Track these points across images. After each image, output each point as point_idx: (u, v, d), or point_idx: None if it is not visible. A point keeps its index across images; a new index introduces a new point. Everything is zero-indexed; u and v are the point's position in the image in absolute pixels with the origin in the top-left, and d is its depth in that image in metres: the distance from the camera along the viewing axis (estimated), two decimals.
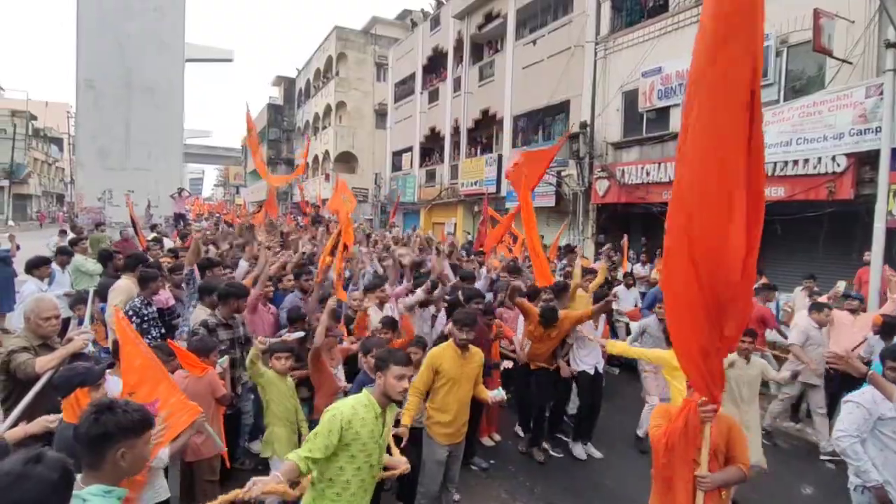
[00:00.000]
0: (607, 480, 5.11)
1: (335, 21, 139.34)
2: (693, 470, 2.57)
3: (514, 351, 5.62)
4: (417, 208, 22.94)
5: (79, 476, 1.67)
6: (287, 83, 43.28)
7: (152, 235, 10.72)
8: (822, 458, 5.65)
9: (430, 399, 3.89)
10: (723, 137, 2.12)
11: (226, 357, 3.93)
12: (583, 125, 13.58)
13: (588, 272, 6.66)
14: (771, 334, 6.79)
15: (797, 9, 8.73)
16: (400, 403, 2.99)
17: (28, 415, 2.82)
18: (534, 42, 16.06)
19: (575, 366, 5.48)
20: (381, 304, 5.43)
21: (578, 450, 5.54)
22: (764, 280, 7.21)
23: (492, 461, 5.29)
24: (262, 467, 4.06)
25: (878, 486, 3.09)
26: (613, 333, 6.46)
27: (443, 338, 4.55)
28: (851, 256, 8.47)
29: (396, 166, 25.91)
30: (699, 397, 2.50)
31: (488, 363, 4.70)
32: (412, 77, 24.27)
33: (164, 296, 5.27)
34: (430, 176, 22.18)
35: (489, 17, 18.74)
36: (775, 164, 8.96)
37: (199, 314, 4.45)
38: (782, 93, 9.54)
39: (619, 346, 5.07)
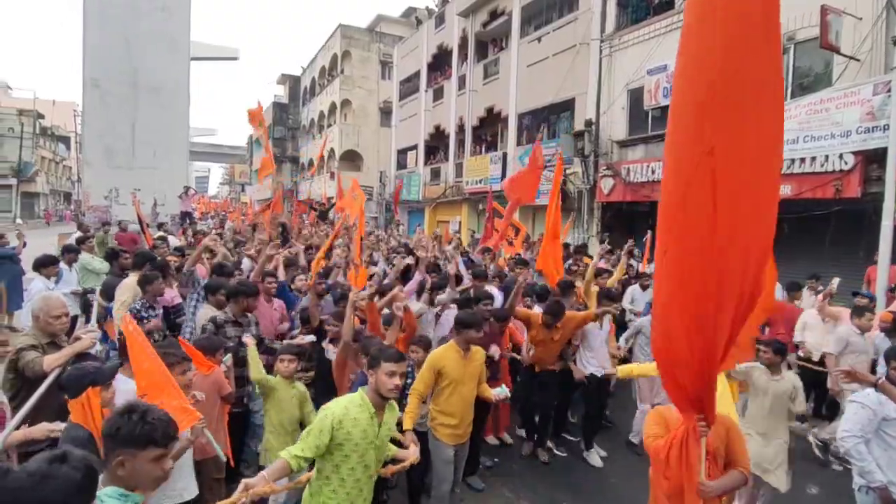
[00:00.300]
0: (612, 479, 5.11)
1: (340, 19, 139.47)
2: (693, 478, 2.51)
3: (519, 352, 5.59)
4: (422, 206, 22.95)
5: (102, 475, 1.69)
6: (292, 81, 43.34)
7: (159, 234, 10.79)
8: (829, 457, 5.63)
9: (434, 402, 3.87)
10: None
11: (229, 356, 3.92)
12: (588, 123, 13.53)
13: (602, 272, 6.61)
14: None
15: (804, 5, 8.66)
16: (400, 402, 3.00)
17: (33, 415, 2.85)
18: (539, 40, 16.01)
19: (582, 367, 5.44)
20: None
21: (594, 458, 5.41)
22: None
23: (496, 459, 5.31)
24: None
25: (882, 487, 3.09)
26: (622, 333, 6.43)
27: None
28: (858, 255, 8.41)
29: (401, 164, 25.92)
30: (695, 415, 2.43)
31: (492, 357, 4.70)
32: (417, 75, 24.24)
33: (170, 294, 5.30)
34: (435, 174, 22.19)
35: (494, 15, 18.70)
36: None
37: (206, 313, 4.48)
38: (789, 90, 9.47)
39: (626, 370, 4.97)
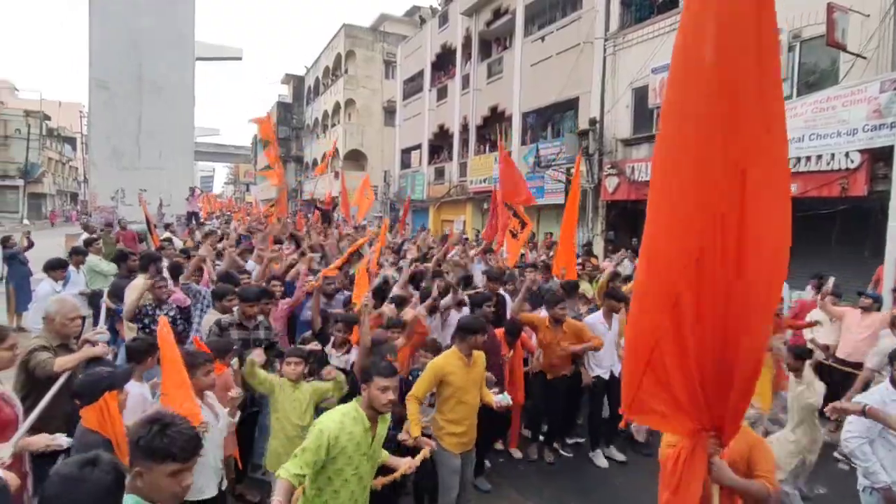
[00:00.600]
0: (617, 480, 5.12)
1: (344, 18, 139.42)
2: (689, 499, 2.18)
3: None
4: (426, 206, 22.96)
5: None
6: (296, 81, 43.43)
7: (165, 235, 10.85)
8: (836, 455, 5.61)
9: (439, 412, 3.84)
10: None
11: (235, 359, 3.94)
12: (592, 122, 13.52)
13: (616, 276, 6.59)
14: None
15: (810, 3, 8.62)
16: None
17: (42, 418, 2.86)
18: (542, 38, 15.98)
19: (590, 370, 5.41)
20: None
21: (600, 459, 5.39)
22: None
23: (501, 460, 5.33)
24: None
25: (887, 488, 3.10)
26: None
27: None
28: (864, 254, 8.37)
29: (405, 164, 25.94)
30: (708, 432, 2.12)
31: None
32: (421, 74, 24.23)
33: (181, 296, 5.35)
34: (439, 173, 22.19)
35: (497, 14, 18.68)
36: (787, 159, 8.86)
37: (210, 318, 4.52)
38: (795, 88, 9.44)
39: None
